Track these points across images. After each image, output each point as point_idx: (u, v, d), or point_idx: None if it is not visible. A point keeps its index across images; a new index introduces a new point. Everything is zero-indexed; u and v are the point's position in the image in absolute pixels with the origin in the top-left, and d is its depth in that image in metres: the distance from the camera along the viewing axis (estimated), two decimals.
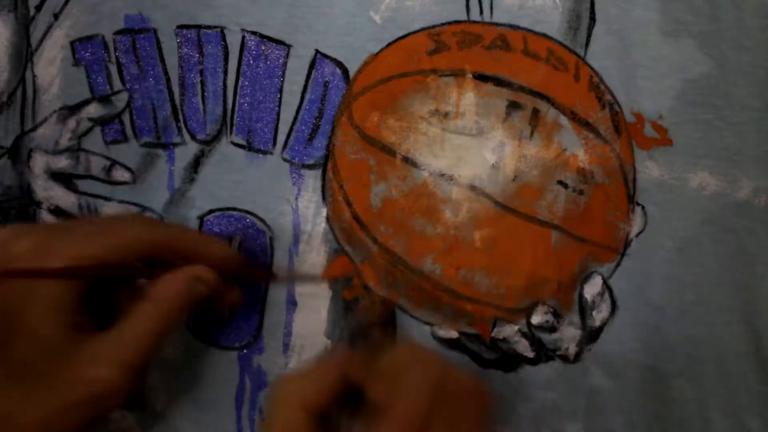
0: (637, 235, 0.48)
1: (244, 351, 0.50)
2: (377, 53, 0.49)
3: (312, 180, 0.50)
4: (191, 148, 0.52)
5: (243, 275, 0.48)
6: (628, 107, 0.48)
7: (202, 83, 0.51)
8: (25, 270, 0.41)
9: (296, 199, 0.50)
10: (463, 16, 0.49)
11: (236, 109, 0.51)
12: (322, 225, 0.50)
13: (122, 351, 0.41)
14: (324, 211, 0.50)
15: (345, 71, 0.50)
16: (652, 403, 0.47)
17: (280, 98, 0.50)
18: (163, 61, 0.52)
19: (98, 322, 0.43)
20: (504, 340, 0.48)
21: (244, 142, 0.51)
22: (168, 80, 0.52)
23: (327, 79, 0.50)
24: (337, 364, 0.41)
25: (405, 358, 0.41)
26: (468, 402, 0.40)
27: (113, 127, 0.53)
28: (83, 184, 0.53)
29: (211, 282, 0.45)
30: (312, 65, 0.50)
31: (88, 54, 0.53)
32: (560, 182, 0.48)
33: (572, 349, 0.48)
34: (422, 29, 0.49)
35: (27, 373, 0.40)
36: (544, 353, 0.48)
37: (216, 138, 0.51)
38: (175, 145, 0.52)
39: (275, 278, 0.50)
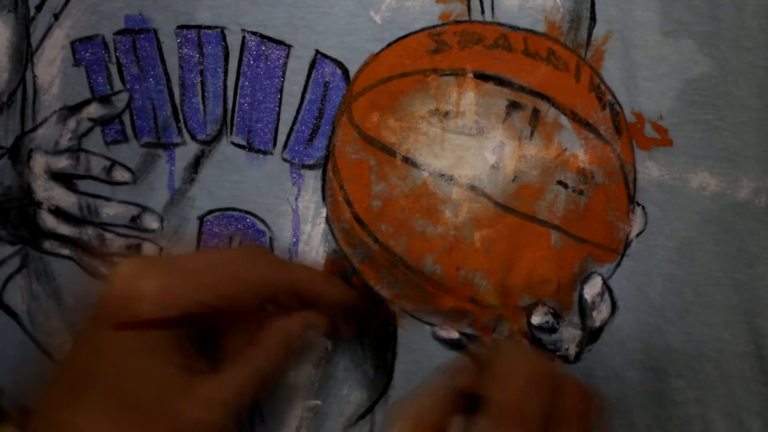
0: (638, 235, 0.47)
1: None
2: (378, 53, 0.49)
3: (312, 180, 0.50)
4: (191, 149, 0.52)
5: (359, 314, 0.48)
6: (628, 107, 0.48)
7: (203, 83, 0.51)
8: (149, 321, 0.41)
9: (296, 199, 0.50)
10: (464, 17, 0.49)
11: (236, 109, 0.51)
12: (322, 225, 0.50)
13: (230, 395, 0.42)
14: (324, 212, 0.50)
15: (345, 71, 0.50)
16: (652, 403, 0.47)
17: (281, 98, 0.50)
18: (163, 61, 0.52)
19: (206, 355, 0.43)
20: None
21: (244, 143, 0.51)
22: (168, 80, 0.52)
23: (327, 79, 0.50)
24: (447, 379, 0.41)
25: (515, 356, 0.40)
26: (579, 407, 0.39)
27: (113, 127, 0.53)
28: (83, 185, 0.53)
29: (325, 328, 0.45)
30: (312, 65, 0.50)
31: (88, 54, 0.53)
32: (560, 182, 0.48)
33: (572, 350, 0.48)
34: (423, 29, 0.49)
35: (140, 412, 0.41)
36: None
37: (216, 138, 0.51)
38: (176, 145, 0.52)
39: (391, 314, 0.49)
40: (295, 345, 0.44)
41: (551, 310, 0.48)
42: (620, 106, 0.48)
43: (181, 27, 0.52)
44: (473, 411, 0.38)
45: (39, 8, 0.54)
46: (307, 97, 0.50)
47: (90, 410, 0.41)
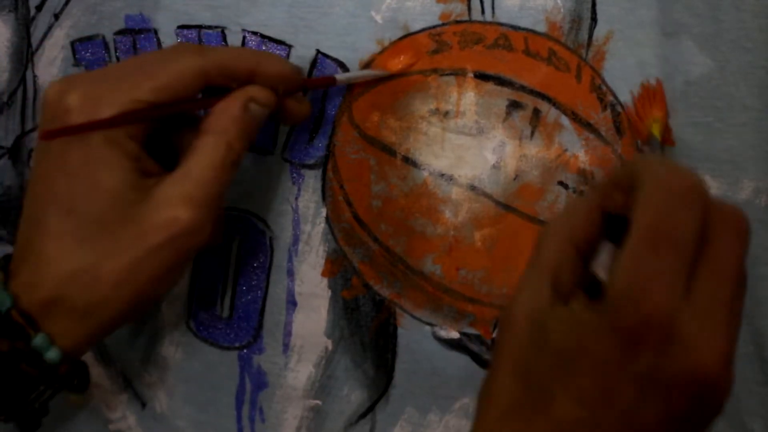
0: None
1: (244, 351, 0.50)
2: (378, 53, 0.49)
3: (312, 180, 0.50)
4: None
5: (303, 87, 0.47)
6: (632, 106, 0.48)
7: None
8: (77, 126, 0.41)
9: (296, 199, 0.50)
10: (464, 17, 0.49)
11: None
12: (322, 225, 0.50)
13: (192, 188, 0.41)
14: (324, 211, 0.50)
15: (346, 71, 0.50)
16: None
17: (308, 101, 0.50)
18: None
19: (168, 166, 0.43)
20: None
21: None
22: None
23: None
24: (598, 193, 0.37)
25: (661, 171, 0.34)
26: (734, 228, 0.34)
27: None
28: None
29: (268, 101, 0.44)
30: (313, 65, 0.50)
31: (88, 54, 0.53)
32: (561, 183, 0.48)
33: None
34: (423, 29, 0.49)
35: (102, 225, 0.41)
36: None
37: None
38: None
39: (334, 83, 0.48)
40: (242, 123, 0.43)
41: None
42: (622, 107, 0.48)
43: (182, 27, 0.52)
44: (623, 234, 0.34)
45: (39, 8, 0.54)
46: (308, 96, 0.50)
47: (53, 236, 0.41)
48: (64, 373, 0.42)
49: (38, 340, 0.40)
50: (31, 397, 0.42)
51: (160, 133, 0.44)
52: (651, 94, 0.47)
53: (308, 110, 0.47)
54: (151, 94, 0.41)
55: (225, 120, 0.43)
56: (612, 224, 0.35)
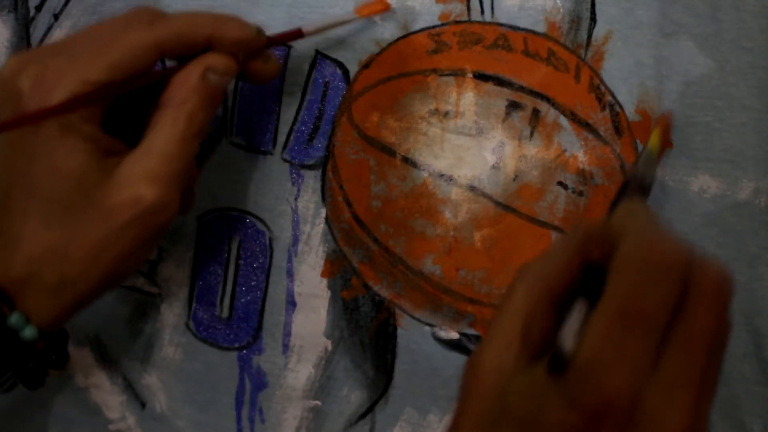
0: None
1: (244, 351, 0.50)
2: (378, 53, 0.49)
3: (312, 180, 0.50)
4: None
5: (268, 46, 0.46)
6: (632, 106, 0.48)
7: None
8: (27, 116, 0.40)
9: (296, 199, 0.50)
10: (463, 17, 0.49)
11: (236, 109, 0.51)
12: (322, 225, 0.50)
13: (155, 164, 0.40)
14: (323, 212, 0.50)
15: (345, 71, 0.50)
16: None
17: (280, 99, 0.50)
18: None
19: (136, 141, 0.42)
20: None
21: (243, 143, 0.51)
22: None
23: (327, 79, 0.50)
24: (578, 243, 0.35)
25: (641, 237, 0.33)
26: (714, 301, 0.32)
27: None
28: None
29: (227, 68, 0.43)
30: (312, 66, 0.50)
31: None
32: (560, 183, 0.48)
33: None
34: (422, 29, 0.49)
35: (67, 207, 0.40)
36: None
37: (216, 138, 0.51)
38: None
39: (302, 35, 0.47)
40: (201, 93, 0.42)
41: None
42: (620, 107, 0.48)
43: None
44: (598, 288, 0.33)
45: (39, 8, 0.54)
46: (307, 97, 0.50)
47: (19, 218, 0.41)
48: (41, 350, 0.42)
49: (14, 318, 0.40)
50: (7, 375, 0.42)
51: (122, 108, 0.43)
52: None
53: (277, 68, 0.46)
54: (104, 73, 0.40)
55: (183, 91, 0.42)
56: (591, 274, 0.34)
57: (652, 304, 0.31)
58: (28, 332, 0.40)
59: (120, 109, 0.43)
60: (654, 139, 0.44)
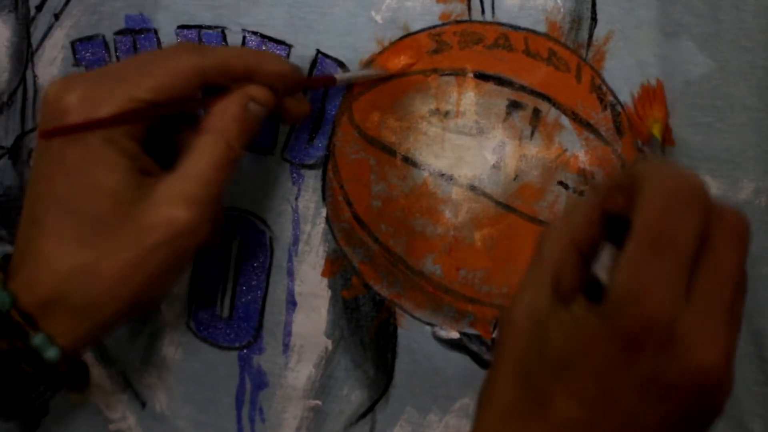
0: None
1: (244, 351, 0.50)
2: (378, 53, 0.49)
3: (312, 180, 0.50)
4: None
5: (303, 87, 0.48)
6: (631, 107, 0.48)
7: None
8: (75, 125, 0.41)
9: (296, 199, 0.50)
10: (464, 17, 0.49)
11: None
12: (322, 225, 0.50)
13: (191, 187, 0.41)
14: (324, 211, 0.50)
15: (346, 71, 0.50)
16: None
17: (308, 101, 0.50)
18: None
19: (167, 165, 0.43)
20: None
21: None
22: None
23: None
24: (599, 194, 0.36)
25: (662, 174, 0.34)
26: (735, 233, 0.34)
27: None
28: None
29: (267, 100, 0.44)
30: (313, 65, 0.50)
31: (88, 54, 0.53)
32: (561, 183, 0.48)
33: None
34: (423, 29, 0.49)
35: (102, 224, 0.41)
36: None
37: None
38: None
39: (334, 82, 0.48)
40: (241, 122, 0.43)
41: None
42: (622, 107, 0.48)
43: (182, 27, 0.52)
44: (624, 236, 0.33)
45: (39, 8, 0.54)
46: (308, 96, 0.50)
47: (52, 236, 0.41)
48: (63, 373, 0.42)
49: (37, 339, 0.40)
50: (31, 397, 0.42)
51: (159, 133, 0.44)
52: (651, 95, 0.47)
53: (307, 110, 0.48)
54: (150, 93, 0.41)
55: (224, 119, 0.43)
56: (613, 226, 0.35)
57: (682, 229, 0.32)
58: (51, 353, 0.41)
59: (157, 134, 0.44)
60: (656, 132, 0.45)
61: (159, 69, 0.42)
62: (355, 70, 0.50)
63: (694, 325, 0.32)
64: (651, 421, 0.32)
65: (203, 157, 0.42)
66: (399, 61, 0.49)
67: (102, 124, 0.41)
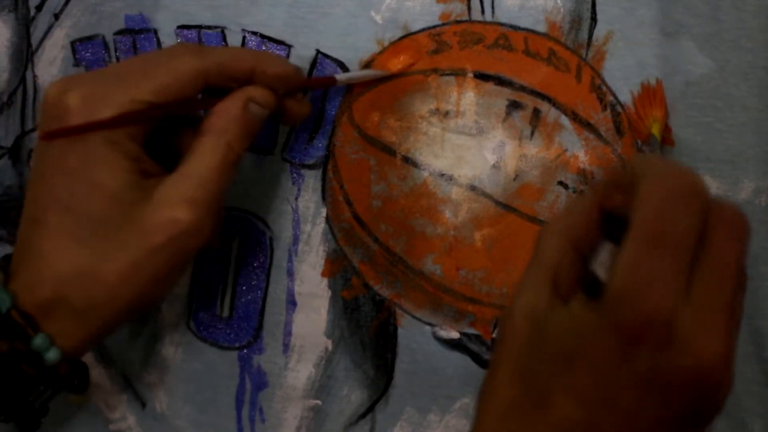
0: None
1: (244, 351, 0.50)
2: (378, 53, 0.49)
3: (312, 180, 0.50)
4: None
5: (303, 87, 0.47)
6: (632, 106, 0.48)
7: None
8: (76, 126, 0.40)
9: (296, 199, 0.50)
10: (464, 17, 0.49)
11: None
12: (322, 225, 0.50)
13: (192, 189, 0.41)
14: (324, 211, 0.50)
15: (346, 71, 0.50)
16: None
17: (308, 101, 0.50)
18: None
19: (168, 167, 0.43)
20: None
21: None
22: None
23: None
24: (598, 192, 0.36)
25: (660, 170, 0.34)
26: (734, 231, 0.34)
27: None
28: None
29: (267, 101, 0.44)
30: (313, 65, 0.50)
31: (88, 54, 0.53)
32: (561, 183, 0.48)
33: None
34: (423, 29, 0.49)
35: (102, 226, 0.41)
36: None
37: None
38: None
39: (335, 83, 0.48)
40: (242, 123, 0.43)
41: None
42: (622, 107, 0.48)
43: (182, 27, 0.52)
44: (622, 234, 0.33)
45: (39, 8, 0.54)
46: (308, 96, 0.50)
47: (53, 236, 0.41)
48: (64, 374, 0.42)
49: (38, 340, 0.40)
50: (31, 398, 0.42)
51: (160, 134, 0.44)
52: (651, 94, 0.47)
53: (308, 110, 0.47)
54: (151, 94, 0.41)
55: (225, 120, 0.43)
56: (612, 224, 0.35)
57: (681, 226, 0.32)
58: (52, 355, 0.41)
59: (159, 136, 0.44)
60: (655, 131, 0.45)
61: (160, 70, 0.42)
62: (355, 71, 0.50)
63: (694, 321, 0.32)
64: (650, 418, 0.32)
65: (204, 158, 0.42)
66: (399, 61, 0.49)
67: (103, 125, 0.41)
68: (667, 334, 0.31)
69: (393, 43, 0.49)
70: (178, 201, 0.41)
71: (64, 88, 0.42)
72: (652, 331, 0.31)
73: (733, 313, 0.33)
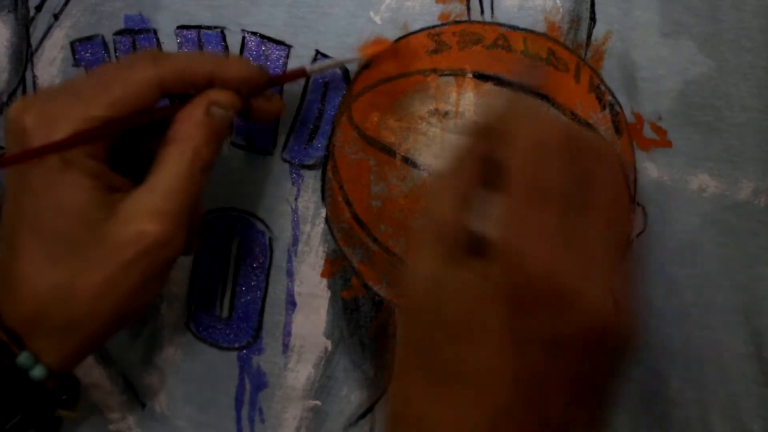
0: (638, 235, 0.47)
1: (244, 351, 0.50)
2: (378, 54, 0.49)
3: (312, 180, 0.50)
4: None
5: (272, 85, 0.46)
6: (628, 108, 0.48)
7: None
8: (30, 151, 0.40)
9: (296, 199, 0.50)
10: (463, 17, 0.49)
11: None
12: (322, 225, 0.50)
13: (159, 200, 0.40)
14: (323, 212, 0.50)
15: (345, 72, 0.50)
16: (653, 404, 0.47)
17: (281, 98, 0.50)
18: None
19: (142, 177, 0.42)
20: None
21: (243, 143, 0.51)
22: None
23: (327, 79, 0.50)
24: (474, 146, 0.36)
25: (526, 118, 0.34)
26: (609, 170, 0.34)
27: None
28: None
29: (230, 103, 0.43)
30: None
31: (88, 54, 0.53)
32: None
33: None
34: (422, 29, 0.49)
35: (71, 244, 0.40)
36: None
37: None
38: None
39: (306, 74, 0.48)
40: (206, 129, 0.42)
41: None
42: (620, 107, 0.48)
43: (181, 27, 0.52)
44: (498, 179, 0.33)
45: (39, 8, 0.54)
46: (307, 97, 0.50)
47: (25, 256, 0.41)
48: (53, 390, 0.42)
49: (22, 358, 0.40)
50: (19, 417, 0.42)
51: (130, 146, 0.43)
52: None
53: (280, 107, 0.47)
54: (107, 109, 0.41)
55: (188, 127, 0.42)
56: (491, 170, 0.34)
57: (554, 178, 0.32)
58: (37, 372, 0.40)
59: (128, 147, 0.43)
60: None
61: (114, 83, 0.41)
62: (327, 60, 0.49)
63: (577, 273, 0.31)
64: (563, 379, 0.31)
65: (170, 167, 0.41)
66: (398, 62, 0.49)
67: (58, 147, 0.40)
68: (554, 293, 0.31)
69: (392, 43, 0.49)
70: (146, 214, 0.40)
71: (21, 108, 0.41)
72: (538, 293, 0.31)
73: (612, 252, 0.32)
